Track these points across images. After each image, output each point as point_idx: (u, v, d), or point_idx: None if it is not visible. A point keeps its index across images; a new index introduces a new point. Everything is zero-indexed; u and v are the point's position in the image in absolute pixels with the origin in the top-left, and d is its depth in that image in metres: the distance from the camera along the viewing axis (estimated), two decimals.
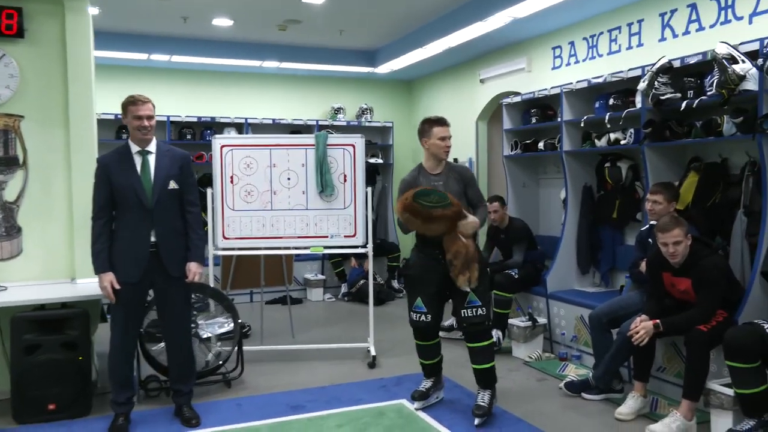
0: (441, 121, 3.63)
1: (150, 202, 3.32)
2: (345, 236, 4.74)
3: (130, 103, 3.35)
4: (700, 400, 3.30)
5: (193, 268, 3.45)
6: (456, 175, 3.63)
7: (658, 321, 3.39)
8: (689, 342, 3.31)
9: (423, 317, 3.60)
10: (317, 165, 4.65)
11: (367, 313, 4.88)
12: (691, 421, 3.27)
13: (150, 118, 3.37)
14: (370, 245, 4.74)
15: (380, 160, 8.20)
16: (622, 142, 4.48)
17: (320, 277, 7.40)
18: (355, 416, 3.63)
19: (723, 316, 3.36)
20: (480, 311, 3.50)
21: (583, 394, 3.89)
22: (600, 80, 4.62)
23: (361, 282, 6.99)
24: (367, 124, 8.15)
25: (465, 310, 3.51)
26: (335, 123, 7.92)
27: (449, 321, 5.37)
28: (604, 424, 3.50)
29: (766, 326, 3.04)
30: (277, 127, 7.53)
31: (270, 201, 4.67)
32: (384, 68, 7.63)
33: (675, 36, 4.54)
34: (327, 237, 4.71)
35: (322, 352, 4.92)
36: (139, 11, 5.87)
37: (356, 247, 4.78)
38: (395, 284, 7.56)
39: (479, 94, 7.08)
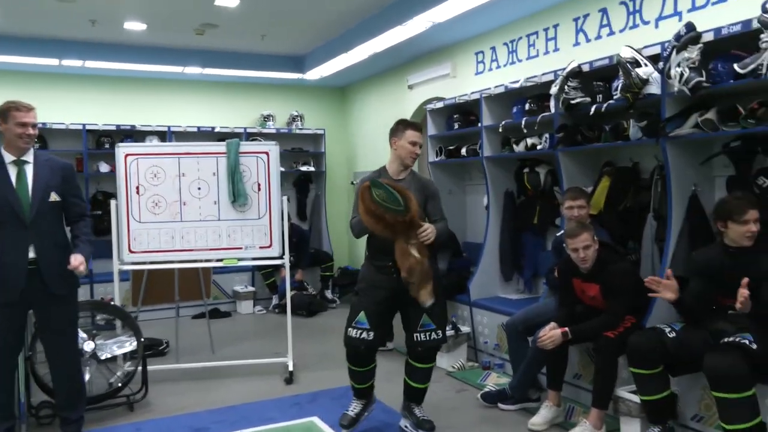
0: (416, 126, 3.41)
1: (27, 215, 3.07)
2: (260, 247, 4.55)
3: (14, 108, 3.10)
4: (610, 408, 3.27)
5: (78, 258, 3.10)
6: (419, 185, 3.37)
7: (567, 329, 3.33)
8: (597, 349, 3.27)
9: (364, 334, 3.25)
10: (229, 174, 4.46)
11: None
12: (600, 429, 3.22)
13: (35, 126, 3.15)
14: (287, 256, 4.57)
15: (312, 168, 8.03)
16: (539, 147, 4.45)
17: (250, 289, 7.17)
18: None
19: (631, 321, 3.33)
20: (434, 335, 3.29)
21: (500, 405, 3.80)
22: (516, 85, 4.59)
23: (293, 293, 6.79)
24: (298, 131, 7.97)
25: (418, 334, 3.29)
26: (264, 131, 7.72)
27: None
28: None
29: (667, 330, 3.01)
30: (202, 135, 7.29)
31: (179, 212, 4.45)
32: (313, 74, 7.47)
33: (588, 40, 4.54)
34: (241, 248, 4.52)
35: (241, 368, 4.70)
36: (43, 13, 5.55)
37: (272, 258, 4.59)
38: (329, 294, 7.39)
39: (408, 101, 7.01)
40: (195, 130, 7.28)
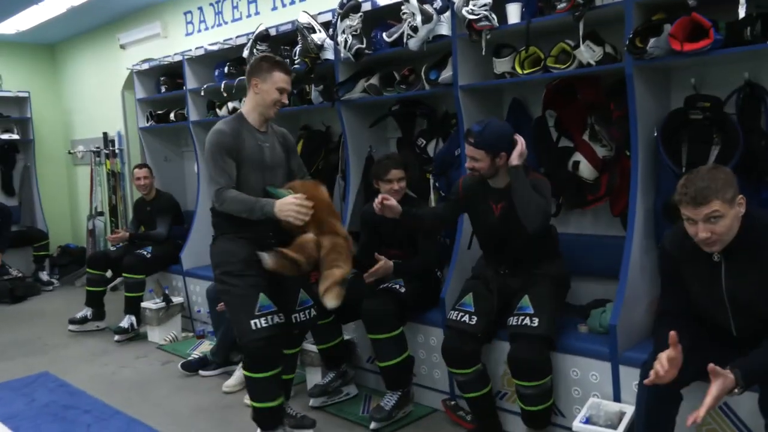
0: (286, 67, 2.69)
1: None
2: None
3: None
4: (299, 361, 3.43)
5: None
6: (281, 139, 2.83)
7: None
8: None
9: (275, 318, 2.62)
10: None
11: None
12: None
13: None
14: None
15: (17, 136, 7.08)
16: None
17: None
18: None
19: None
20: (314, 312, 2.91)
21: (201, 372, 3.78)
22: (215, 48, 4.49)
23: None
24: None
25: (298, 314, 2.85)
26: None
27: (82, 312, 4.85)
28: (210, 400, 3.42)
29: None
30: None
31: None
32: (6, 28, 6.50)
33: (284, 5, 4.58)
34: None
35: None
36: None
37: None
38: (44, 276, 6.66)
39: (122, 61, 6.45)
40: None
